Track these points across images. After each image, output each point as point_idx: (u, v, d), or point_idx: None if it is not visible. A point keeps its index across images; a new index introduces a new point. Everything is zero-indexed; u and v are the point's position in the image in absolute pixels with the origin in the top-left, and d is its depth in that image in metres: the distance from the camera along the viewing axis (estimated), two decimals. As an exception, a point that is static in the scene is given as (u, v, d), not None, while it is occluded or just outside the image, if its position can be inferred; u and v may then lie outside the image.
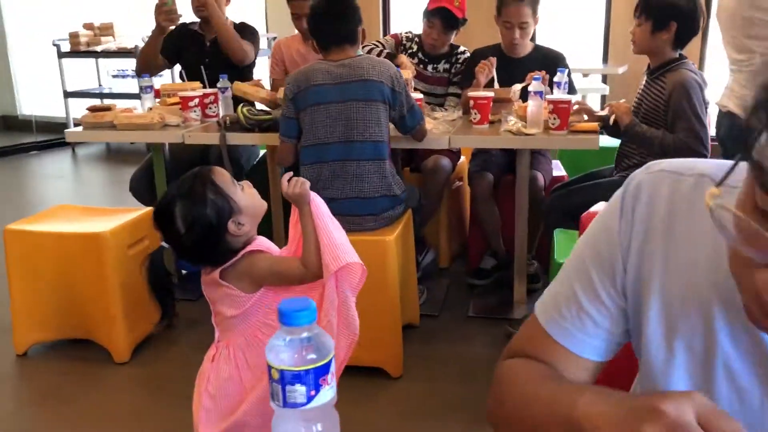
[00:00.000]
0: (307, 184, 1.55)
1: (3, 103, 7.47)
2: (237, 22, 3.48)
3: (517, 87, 2.92)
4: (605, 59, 5.49)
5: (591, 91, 4.99)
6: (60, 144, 6.63)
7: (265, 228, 2.80)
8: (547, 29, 4.74)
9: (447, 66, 3.40)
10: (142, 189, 3.25)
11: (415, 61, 3.36)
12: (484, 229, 3.23)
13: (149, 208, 2.91)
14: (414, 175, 3.31)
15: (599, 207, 1.08)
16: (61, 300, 2.67)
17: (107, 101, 5.66)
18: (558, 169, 3.48)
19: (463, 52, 3.40)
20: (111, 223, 2.63)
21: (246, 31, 3.45)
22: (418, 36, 3.43)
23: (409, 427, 2.28)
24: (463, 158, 3.56)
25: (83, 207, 2.98)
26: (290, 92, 2.54)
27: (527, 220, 2.93)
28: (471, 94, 2.88)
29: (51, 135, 6.80)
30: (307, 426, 0.70)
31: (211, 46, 3.42)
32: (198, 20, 3.46)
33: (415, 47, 3.43)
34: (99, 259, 2.56)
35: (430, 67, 3.39)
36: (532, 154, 2.95)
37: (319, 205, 1.58)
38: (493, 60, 3.05)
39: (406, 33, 3.52)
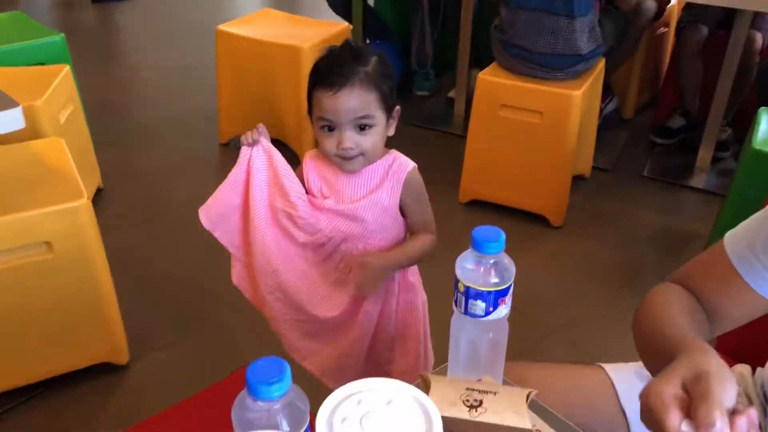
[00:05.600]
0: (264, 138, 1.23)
1: None
2: None
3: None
4: None
5: None
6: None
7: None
8: None
9: None
10: (339, 1, 3.32)
11: None
12: (681, 85, 3.02)
13: (345, 25, 3.00)
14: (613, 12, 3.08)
15: None
16: (260, 100, 2.93)
17: None
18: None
19: None
20: (310, 37, 2.76)
21: None
22: None
23: (561, 278, 2.35)
24: (674, 2, 3.23)
25: (286, 14, 3.12)
26: None
27: (732, 83, 2.70)
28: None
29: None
30: (483, 332, 0.82)
31: None
32: None
33: None
34: (297, 70, 2.73)
35: None
36: (756, 12, 2.63)
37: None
38: None
39: None
